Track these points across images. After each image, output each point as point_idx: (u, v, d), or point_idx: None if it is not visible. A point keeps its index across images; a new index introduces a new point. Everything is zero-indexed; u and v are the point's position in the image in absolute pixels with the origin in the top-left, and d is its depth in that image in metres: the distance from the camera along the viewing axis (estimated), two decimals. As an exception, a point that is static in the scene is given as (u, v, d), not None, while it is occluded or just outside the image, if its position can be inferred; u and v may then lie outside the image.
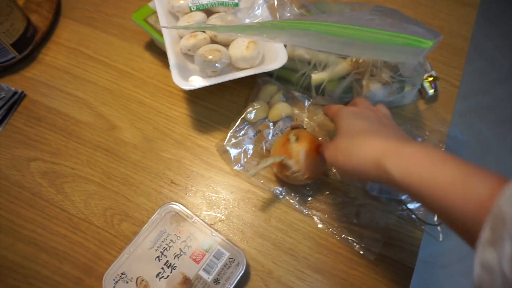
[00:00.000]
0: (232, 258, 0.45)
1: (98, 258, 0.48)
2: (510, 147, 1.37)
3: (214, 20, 0.53)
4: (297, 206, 0.50)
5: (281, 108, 0.55)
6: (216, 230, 0.47)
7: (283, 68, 0.52)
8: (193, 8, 0.53)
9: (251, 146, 0.54)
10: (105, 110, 0.58)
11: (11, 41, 0.57)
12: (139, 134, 0.56)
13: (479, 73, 1.54)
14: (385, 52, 0.38)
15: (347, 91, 0.54)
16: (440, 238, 0.50)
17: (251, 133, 0.55)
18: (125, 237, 0.49)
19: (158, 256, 0.46)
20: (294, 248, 0.49)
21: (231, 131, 0.55)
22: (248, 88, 0.59)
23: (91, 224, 0.50)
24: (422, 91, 0.58)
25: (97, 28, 0.66)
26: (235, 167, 0.53)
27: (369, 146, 0.35)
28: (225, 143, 0.54)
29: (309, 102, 0.56)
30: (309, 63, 0.54)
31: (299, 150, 0.46)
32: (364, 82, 0.51)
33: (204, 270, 0.45)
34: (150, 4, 0.59)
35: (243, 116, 0.55)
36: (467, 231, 0.27)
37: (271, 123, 0.56)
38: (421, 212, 0.49)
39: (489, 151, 1.37)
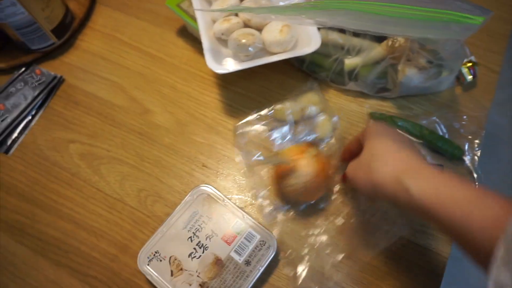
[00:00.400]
0: (263, 241, 0.46)
1: (132, 237, 0.50)
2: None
3: (248, 3, 0.53)
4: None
5: (324, 124, 0.53)
6: (247, 213, 0.48)
7: (315, 53, 0.51)
8: (227, -8, 0.53)
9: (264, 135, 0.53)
10: (138, 95, 0.60)
11: (51, 27, 0.59)
12: (171, 118, 0.57)
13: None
14: (429, 30, 0.37)
15: (381, 76, 0.53)
16: None
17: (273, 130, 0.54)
18: (157, 218, 0.51)
19: (190, 237, 0.47)
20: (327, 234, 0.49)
21: (252, 117, 0.55)
22: (279, 73, 0.59)
23: (125, 205, 0.52)
24: (460, 77, 0.56)
25: (130, 14, 0.67)
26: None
27: (390, 163, 0.36)
28: (238, 124, 0.54)
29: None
30: (343, 48, 0.53)
31: (309, 167, 0.44)
32: (399, 67, 0.49)
33: (236, 251, 0.46)
34: (184, -11, 0.59)
35: (271, 108, 0.55)
36: (480, 251, 0.27)
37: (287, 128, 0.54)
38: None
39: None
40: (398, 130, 0.43)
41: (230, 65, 0.49)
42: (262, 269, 0.44)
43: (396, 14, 0.34)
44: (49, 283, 0.48)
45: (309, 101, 0.53)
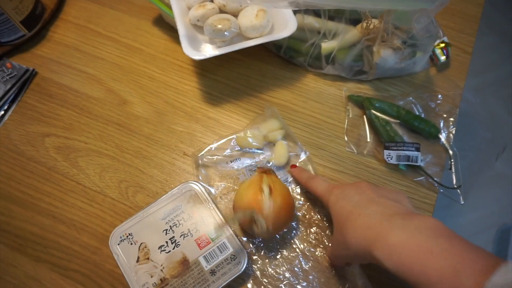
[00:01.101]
0: (234, 255, 0.45)
1: (114, 229, 0.49)
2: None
3: (222, -11, 0.52)
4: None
5: (281, 151, 0.51)
6: (228, 223, 0.46)
7: (292, 38, 0.51)
8: (201, -22, 0.52)
9: (224, 169, 0.52)
10: (115, 86, 0.58)
11: (21, 19, 0.57)
12: (150, 108, 0.57)
13: (491, 48, 1.50)
14: (399, 1, 0.37)
15: (357, 59, 0.54)
16: (461, 201, 0.50)
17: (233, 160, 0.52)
18: (139, 208, 0.50)
19: (166, 229, 0.46)
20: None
21: (214, 145, 0.53)
22: (257, 60, 0.59)
23: (106, 196, 0.51)
24: (434, 58, 0.57)
25: (105, 5, 0.66)
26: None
27: (358, 235, 0.35)
28: (200, 155, 0.52)
29: (306, 156, 0.52)
30: (319, 32, 0.54)
31: (270, 206, 0.42)
32: (375, 49, 0.50)
33: (205, 257, 0.45)
34: (158, -23, 0.58)
35: (231, 137, 0.53)
36: None
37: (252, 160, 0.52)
38: (436, 179, 0.49)
39: (501, 127, 1.35)
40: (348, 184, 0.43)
41: (207, 51, 0.49)
42: (224, 284, 0.43)
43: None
44: (29, 280, 0.47)
45: (270, 127, 0.52)
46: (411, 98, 0.54)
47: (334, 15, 0.53)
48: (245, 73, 0.59)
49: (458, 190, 0.50)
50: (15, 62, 0.59)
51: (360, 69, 0.55)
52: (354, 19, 0.53)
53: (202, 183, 0.49)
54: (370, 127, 0.53)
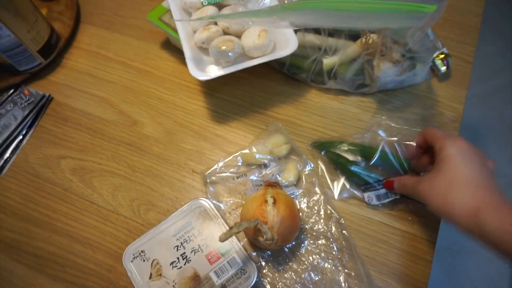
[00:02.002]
0: (244, 270, 0.46)
1: (127, 246, 0.50)
2: (535, 127, 1.34)
3: (225, 12, 0.55)
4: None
5: (292, 170, 0.52)
6: (237, 237, 0.47)
7: (294, 55, 0.53)
8: (205, 3, 0.55)
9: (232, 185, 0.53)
10: (126, 108, 0.61)
11: (37, 48, 0.61)
12: (160, 128, 0.59)
13: (496, 53, 1.50)
14: (390, 20, 0.39)
15: (358, 73, 0.55)
16: None
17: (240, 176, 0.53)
18: (151, 225, 0.51)
19: (177, 246, 0.48)
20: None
21: (221, 163, 0.54)
22: (261, 78, 0.61)
23: (119, 215, 0.53)
24: (434, 69, 0.58)
25: (114, 31, 0.69)
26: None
27: (469, 195, 0.36)
28: (208, 172, 0.53)
29: (311, 168, 0.53)
30: (320, 48, 0.55)
31: (275, 215, 0.43)
32: (375, 62, 0.51)
33: (215, 272, 0.46)
34: (164, 4, 0.61)
35: (237, 154, 0.54)
36: None
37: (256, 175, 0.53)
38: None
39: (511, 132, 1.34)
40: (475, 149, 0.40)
41: (212, 72, 0.51)
42: None
43: (359, 9, 0.37)
44: (47, 298, 0.48)
45: (276, 143, 0.53)
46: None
47: (333, 31, 0.55)
48: (249, 90, 0.61)
49: None
50: (32, 89, 0.63)
51: (362, 83, 0.56)
52: (354, 35, 0.54)
53: (211, 199, 0.50)
54: (340, 172, 0.53)
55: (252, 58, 0.53)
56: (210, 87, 0.61)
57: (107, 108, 0.61)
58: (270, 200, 0.45)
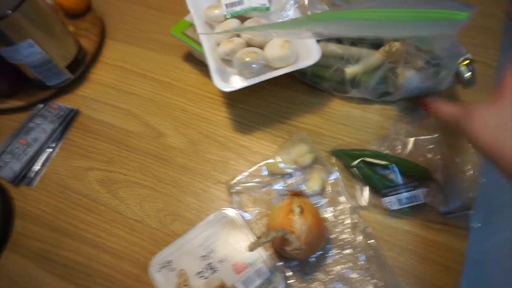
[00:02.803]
0: (270, 279, 0.45)
1: (154, 256, 0.51)
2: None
3: (249, 23, 0.56)
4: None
5: (317, 180, 0.52)
6: (264, 248, 0.47)
7: (317, 65, 0.53)
8: (228, 16, 0.56)
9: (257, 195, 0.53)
10: (151, 119, 0.62)
11: (66, 64, 0.63)
12: (184, 139, 0.60)
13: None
14: (421, 28, 0.39)
15: (381, 81, 0.55)
16: (478, 224, 0.48)
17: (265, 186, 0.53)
18: (177, 235, 0.51)
19: (204, 256, 0.48)
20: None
21: (246, 173, 0.54)
22: (284, 88, 0.62)
23: (145, 225, 0.53)
24: (459, 76, 0.57)
25: (138, 46, 0.71)
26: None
27: None
28: (233, 182, 0.54)
29: (336, 177, 0.52)
30: (342, 58, 0.56)
31: (302, 225, 0.43)
32: (398, 70, 0.51)
33: (242, 282, 0.46)
34: (186, 18, 0.63)
35: (262, 164, 0.54)
36: None
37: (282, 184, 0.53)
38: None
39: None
40: None
41: (236, 83, 0.52)
42: None
43: (387, 18, 0.37)
44: (77, 308, 0.49)
45: (300, 152, 0.53)
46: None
47: (356, 41, 0.55)
48: (273, 101, 0.61)
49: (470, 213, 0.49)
50: (60, 103, 0.65)
51: (385, 91, 0.56)
52: (376, 43, 0.55)
53: (236, 209, 0.51)
54: (361, 178, 0.52)
55: (275, 68, 0.54)
56: (233, 98, 0.62)
57: (132, 120, 0.63)
58: (297, 210, 0.45)
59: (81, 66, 0.67)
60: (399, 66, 0.51)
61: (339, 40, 0.56)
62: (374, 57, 0.54)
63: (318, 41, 0.55)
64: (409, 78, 0.51)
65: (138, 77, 0.67)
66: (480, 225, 0.48)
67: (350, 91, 0.57)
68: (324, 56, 0.54)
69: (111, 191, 0.57)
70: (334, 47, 0.56)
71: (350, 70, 0.55)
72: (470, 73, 0.56)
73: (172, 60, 0.68)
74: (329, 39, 0.56)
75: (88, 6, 0.74)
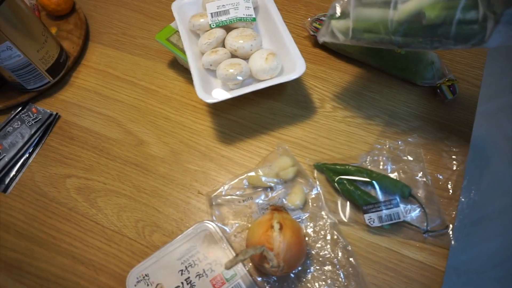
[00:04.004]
0: None
1: (131, 268, 0.50)
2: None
3: (234, 34, 0.55)
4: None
5: (299, 194, 0.51)
6: (243, 263, 0.47)
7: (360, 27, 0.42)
8: (213, 25, 0.55)
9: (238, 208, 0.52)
10: (133, 127, 0.61)
11: (46, 67, 0.61)
12: (166, 148, 0.59)
13: (502, 72, 1.50)
14: None
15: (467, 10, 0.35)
16: (452, 243, 0.48)
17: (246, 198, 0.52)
18: (156, 248, 0.51)
19: (182, 270, 0.47)
20: None
21: (227, 185, 0.53)
22: (269, 99, 0.61)
23: (123, 236, 0.52)
24: (441, 95, 0.58)
25: (123, 50, 0.70)
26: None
27: None
28: (213, 195, 0.53)
29: (318, 191, 0.52)
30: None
31: (281, 242, 0.42)
32: None
33: None
34: (172, 24, 0.62)
35: (244, 177, 0.54)
36: None
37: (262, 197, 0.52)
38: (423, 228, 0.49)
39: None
40: None
41: (219, 94, 0.51)
42: None
43: None
44: (49, 321, 0.48)
45: (282, 165, 0.53)
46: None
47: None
48: (257, 111, 0.61)
49: (450, 232, 0.49)
50: (39, 107, 0.63)
51: (473, 31, 0.36)
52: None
53: (216, 222, 0.50)
54: (342, 194, 0.52)
55: (260, 80, 0.53)
56: (217, 108, 0.61)
57: (114, 127, 0.61)
58: (277, 226, 0.44)
59: (62, 69, 0.65)
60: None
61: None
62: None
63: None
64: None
65: (122, 82, 0.66)
66: (457, 244, 0.49)
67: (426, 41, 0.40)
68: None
69: (89, 200, 0.55)
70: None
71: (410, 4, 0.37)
72: (452, 94, 0.57)
73: (157, 66, 0.67)
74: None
75: (71, 7, 0.72)
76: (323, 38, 0.53)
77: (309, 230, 0.50)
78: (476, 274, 1.15)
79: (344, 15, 0.47)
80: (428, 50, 0.52)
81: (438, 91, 0.57)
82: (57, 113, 0.63)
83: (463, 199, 0.51)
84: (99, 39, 0.72)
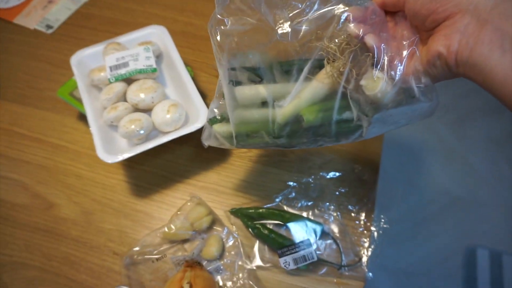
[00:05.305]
0: None
1: None
2: (469, 145, 1.41)
3: (134, 88, 0.54)
4: None
5: (214, 245, 0.50)
6: None
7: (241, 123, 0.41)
8: (112, 80, 0.54)
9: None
10: (41, 189, 0.58)
11: None
12: (77, 209, 0.56)
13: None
14: None
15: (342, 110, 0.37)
16: (370, 275, 0.50)
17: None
18: (70, 321, 0.48)
19: None
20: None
21: (142, 243, 0.51)
22: (183, 145, 0.60)
23: (34, 312, 0.49)
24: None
25: (29, 105, 0.66)
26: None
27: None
28: (126, 256, 0.51)
29: (235, 238, 0.51)
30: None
31: None
32: (363, 82, 0.35)
33: None
34: (75, 77, 0.60)
35: (159, 232, 0.52)
36: None
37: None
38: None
39: (451, 151, 1.41)
40: None
41: (123, 151, 0.50)
42: None
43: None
44: None
45: (197, 216, 0.51)
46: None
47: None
48: (172, 159, 0.59)
49: (364, 266, 0.50)
50: None
51: (352, 125, 0.38)
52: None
53: (130, 286, 0.48)
54: (258, 238, 0.52)
55: (165, 132, 0.52)
56: (130, 159, 0.58)
57: (20, 191, 0.58)
58: (186, 286, 0.43)
59: (-41, 134, 0.61)
60: (363, 78, 0.35)
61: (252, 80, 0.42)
62: (312, 86, 0.38)
63: (235, 83, 0.42)
64: (382, 89, 0.34)
65: (29, 141, 0.62)
66: (372, 276, 0.50)
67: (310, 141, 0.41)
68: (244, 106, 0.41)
69: (-7, 277, 0.51)
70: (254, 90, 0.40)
71: (284, 110, 0.39)
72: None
73: (66, 120, 0.64)
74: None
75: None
76: (207, 142, 0.47)
77: (227, 282, 0.50)
78: (423, 275, 1.19)
79: (226, 119, 0.44)
80: (314, 147, 0.53)
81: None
82: (-45, 183, 0.58)
83: (373, 229, 0.53)
84: (3, 94, 0.67)
